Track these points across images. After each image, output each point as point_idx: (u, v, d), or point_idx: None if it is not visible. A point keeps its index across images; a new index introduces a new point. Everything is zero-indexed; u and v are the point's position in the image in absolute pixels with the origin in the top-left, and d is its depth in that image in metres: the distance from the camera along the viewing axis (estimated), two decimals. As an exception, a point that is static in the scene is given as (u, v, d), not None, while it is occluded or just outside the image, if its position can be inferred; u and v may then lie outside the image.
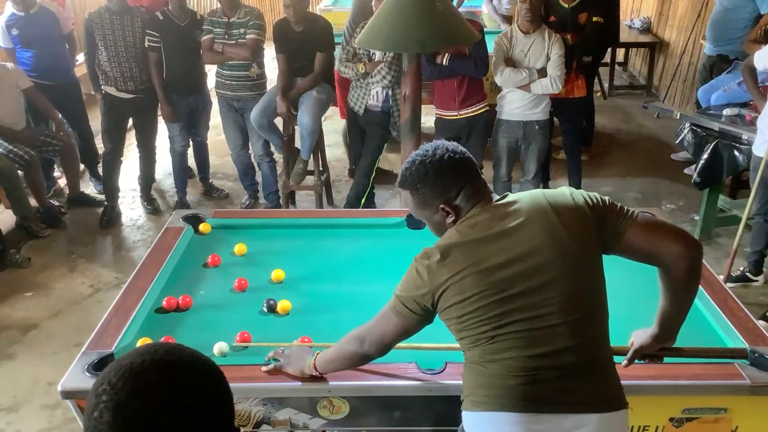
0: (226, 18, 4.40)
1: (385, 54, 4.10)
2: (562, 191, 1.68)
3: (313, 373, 1.92)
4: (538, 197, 1.66)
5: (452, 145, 1.69)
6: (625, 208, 1.66)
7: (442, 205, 1.66)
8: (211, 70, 4.87)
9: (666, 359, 1.87)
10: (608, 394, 1.61)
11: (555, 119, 4.67)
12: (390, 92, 4.24)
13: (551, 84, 4.10)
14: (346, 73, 4.30)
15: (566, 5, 4.43)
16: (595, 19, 4.32)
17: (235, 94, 4.55)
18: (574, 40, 4.38)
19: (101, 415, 0.88)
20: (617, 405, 1.61)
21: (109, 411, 0.88)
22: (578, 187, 4.69)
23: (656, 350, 1.80)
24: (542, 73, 4.11)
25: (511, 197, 1.69)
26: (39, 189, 4.64)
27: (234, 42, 4.39)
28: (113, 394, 0.89)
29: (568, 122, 4.70)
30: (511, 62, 4.16)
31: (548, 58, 4.11)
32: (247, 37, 4.37)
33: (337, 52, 4.53)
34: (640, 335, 1.81)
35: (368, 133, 4.44)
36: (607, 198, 1.67)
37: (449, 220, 1.67)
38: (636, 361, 1.83)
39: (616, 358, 1.72)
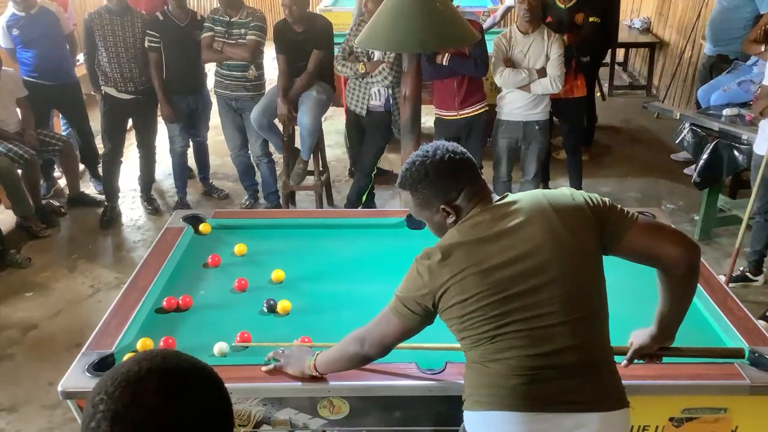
0: (227, 17, 4.40)
1: (384, 54, 4.09)
2: (563, 191, 1.69)
3: (314, 374, 1.92)
4: (538, 197, 1.66)
5: (452, 145, 1.70)
6: (626, 209, 1.67)
7: (442, 206, 1.66)
8: (210, 70, 4.87)
9: (665, 359, 1.88)
10: (609, 393, 1.62)
11: (555, 119, 4.68)
12: (391, 91, 4.23)
13: (551, 84, 4.10)
14: (342, 72, 4.27)
15: (563, 6, 4.42)
16: (591, 19, 4.32)
17: (233, 94, 4.56)
18: (571, 40, 4.38)
19: (98, 425, 0.87)
20: (618, 404, 1.62)
21: (106, 421, 0.87)
22: (579, 187, 4.70)
23: (655, 350, 1.81)
24: (542, 73, 4.11)
25: (511, 197, 1.69)
26: (35, 189, 4.65)
27: (234, 42, 4.39)
28: (110, 404, 0.88)
29: (568, 122, 4.70)
30: (510, 63, 4.16)
31: (548, 58, 4.11)
32: (247, 37, 4.37)
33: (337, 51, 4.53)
34: (639, 335, 1.81)
35: (370, 134, 4.41)
36: (607, 199, 1.68)
37: (450, 220, 1.67)
38: (635, 361, 1.83)
39: (616, 358, 1.72)
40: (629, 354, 1.81)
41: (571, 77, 4.44)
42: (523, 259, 1.56)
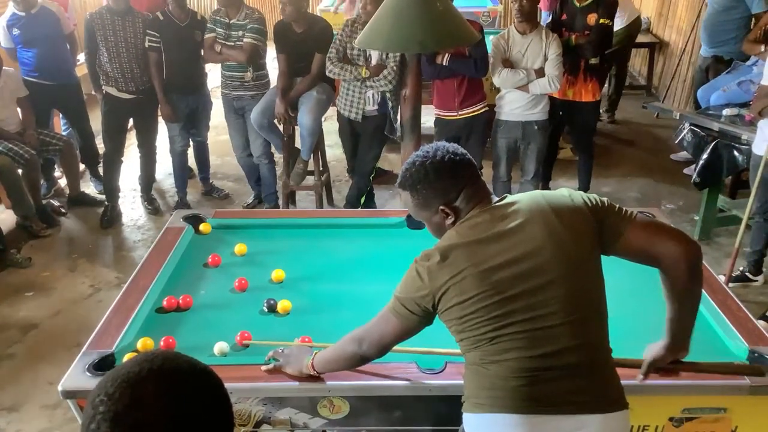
0: (227, 19, 4.41)
1: (382, 56, 4.06)
2: (561, 192, 1.69)
3: (311, 373, 1.92)
4: (537, 198, 1.66)
5: (452, 146, 1.70)
6: (624, 209, 1.66)
7: (441, 207, 1.66)
8: (211, 71, 4.87)
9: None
10: (609, 394, 1.62)
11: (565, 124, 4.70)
12: (389, 94, 4.19)
13: (549, 83, 4.10)
14: (341, 74, 4.14)
15: (578, 4, 4.38)
16: (602, 21, 4.30)
17: (234, 93, 4.56)
18: (578, 40, 4.36)
19: (98, 426, 0.87)
20: (618, 405, 1.61)
21: (106, 422, 0.87)
22: (587, 186, 4.71)
23: (669, 361, 1.77)
24: (540, 73, 4.12)
25: (510, 198, 1.69)
26: (36, 189, 4.65)
27: (232, 44, 4.40)
28: (110, 405, 0.88)
29: (578, 126, 4.68)
30: (509, 63, 4.16)
31: (546, 58, 4.11)
32: (244, 40, 4.37)
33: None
34: (652, 347, 1.78)
35: (367, 139, 4.33)
36: (605, 199, 1.68)
37: (449, 221, 1.67)
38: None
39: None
40: (644, 367, 1.77)
41: (579, 79, 4.43)
42: (522, 261, 1.56)
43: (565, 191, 1.69)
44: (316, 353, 1.92)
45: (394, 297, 1.67)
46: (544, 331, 1.56)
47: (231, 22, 4.40)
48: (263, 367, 1.99)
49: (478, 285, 1.55)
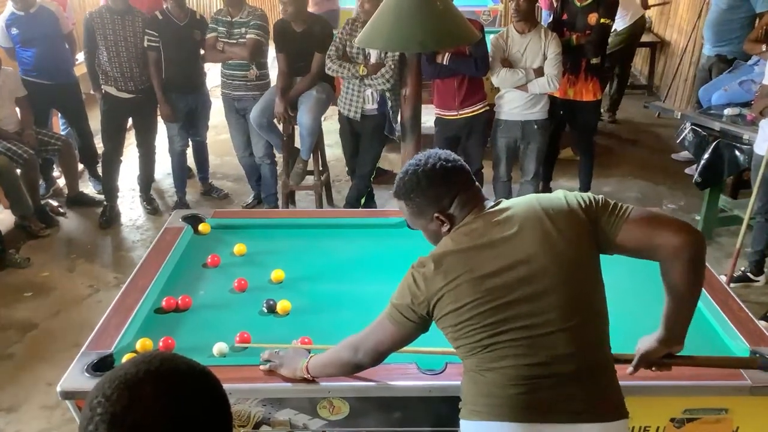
0: (229, 17, 4.41)
1: (382, 54, 4.05)
2: (557, 195, 1.66)
3: (305, 376, 1.90)
4: (531, 203, 1.64)
5: (445, 153, 1.69)
6: (619, 204, 1.62)
7: (436, 214, 1.65)
8: (210, 70, 4.85)
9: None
10: (608, 402, 1.60)
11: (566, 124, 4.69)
12: (388, 94, 4.18)
13: (548, 83, 4.09)
14: (339, 72, 4.13)
15: (578, 4, 4.37)
16: (602, 20, 4.29)
17: (235, 93, 4.56)
18: (579, 40, 4.35)
19: (96, 428, 0.87)
20: (617, 414, 1.59)
21: (104, 424, 0.86)
22: (588, 187, 4.70)
23: (662, 355, 1.69)
24: (539, 72, 4.11)
25: (504, 204, 1.67)
26: (34, 189, 4.64)
27: (235, 41, 4.39)
28: (108, 407, 0.87)
29: (580, 125, 4.67)
30: (507, 62, 4.15)
31: (545, 58, 4.10)
32: (247, 36, 4.36)
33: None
34: (645, 340, 1.71)
35: (366, 139, 4.32)
36: (600, 197, 1.64)
37: (444, 228, 1.66)
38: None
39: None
40: (635, 360, 1.70)
41: (580, 79, 4.42)
42: (517, 267, 1.55)
43: (561, 193, 1.66)
44: (311, 356, 1.91)
45: (390, 304, 1.66)
46: (541, 338, 1.54)
47: (233, 20, 4.39)
48: (261, 367, 1.98)
49: (472, 292, 1.54)
